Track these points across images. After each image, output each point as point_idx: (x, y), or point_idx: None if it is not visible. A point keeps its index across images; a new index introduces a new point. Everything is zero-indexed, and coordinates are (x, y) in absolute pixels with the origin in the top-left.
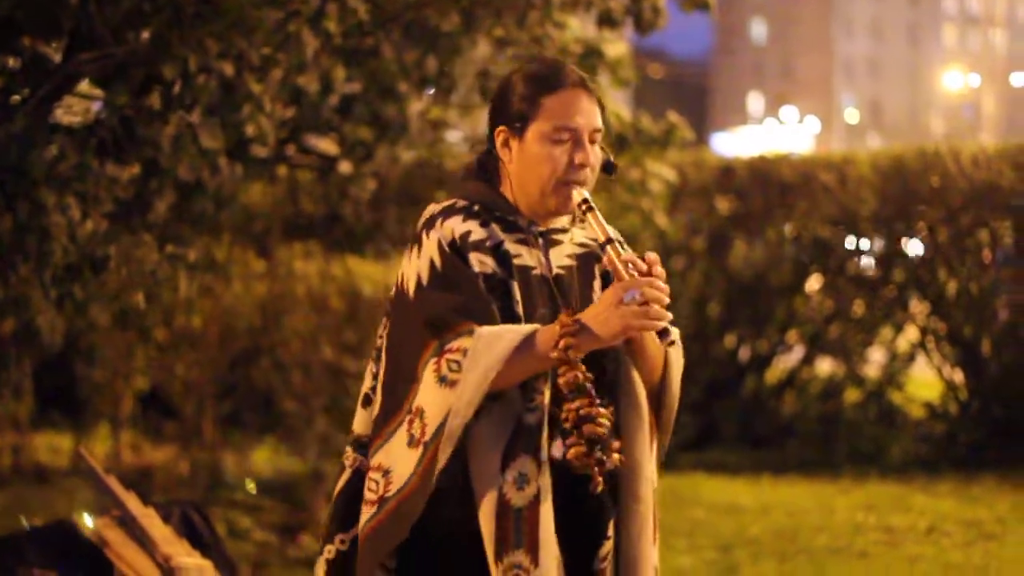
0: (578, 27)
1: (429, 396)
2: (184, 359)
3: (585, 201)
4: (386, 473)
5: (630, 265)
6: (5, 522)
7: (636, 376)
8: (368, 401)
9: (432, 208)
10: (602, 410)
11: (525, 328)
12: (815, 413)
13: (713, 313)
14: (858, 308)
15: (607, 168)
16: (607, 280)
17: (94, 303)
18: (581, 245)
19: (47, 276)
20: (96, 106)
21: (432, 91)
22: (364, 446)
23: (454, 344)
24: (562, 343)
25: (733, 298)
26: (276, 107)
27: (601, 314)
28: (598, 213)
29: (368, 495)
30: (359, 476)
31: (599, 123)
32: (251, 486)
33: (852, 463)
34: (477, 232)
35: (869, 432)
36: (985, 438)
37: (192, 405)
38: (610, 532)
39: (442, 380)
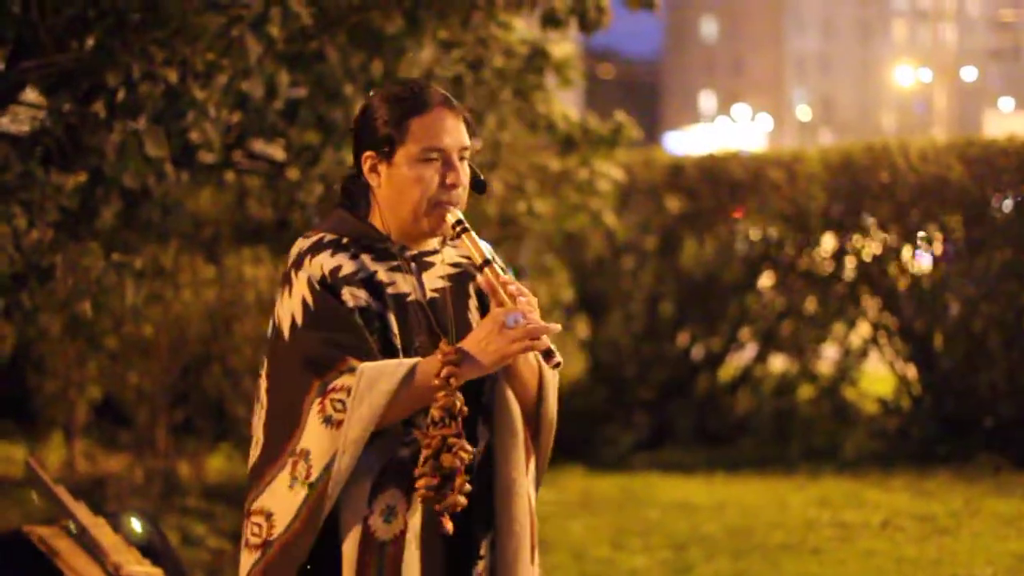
0: (524, 28)
1: (314, 437)
2: (136, 367)
3: (460, 222)
4: (268, 516)
5: (510, 286)
6: None
7: (512, 397)
8: None
9: (300, 244)
10: (466, 444)
11: (407, 362)
12: (769, 410)
13: (665, 312)
14: (810, 305)
15: (477, 186)
16: (482, 298)
17: (43, 312)
18: (453, 265)
19: None
20: (41, 114)
21: None
22: None
23: (337, 383)
24: (444, 372)
25: (685, 297)
26: (221, 113)
27: (483, 340)
28: (472, 233)
29: (251, 539)
30: None
31: (467, 141)
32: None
33: (806, 459)
34: (347, 266)
35: (823, 428)
36: (938, 433)
37: (145, 413)
38: (483, 551)
39: (327, 420)
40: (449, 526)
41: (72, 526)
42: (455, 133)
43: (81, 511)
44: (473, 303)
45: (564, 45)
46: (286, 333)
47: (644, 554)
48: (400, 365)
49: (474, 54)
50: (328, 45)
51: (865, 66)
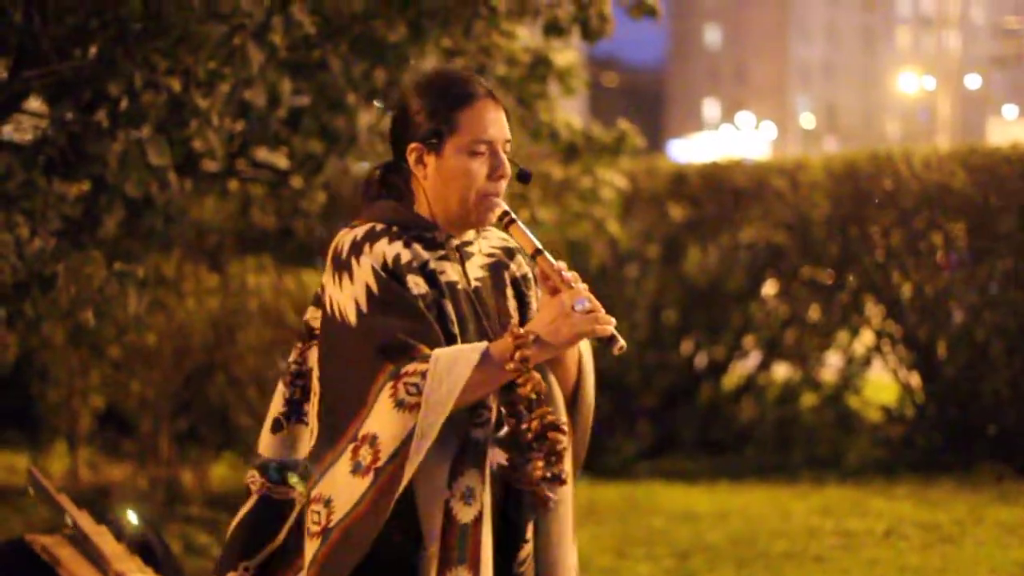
0: (527, 36)
1: (383, 421)
2: (139, 376)
3: (507, 213)
4: (328, 503)
5: (565, 272)
6: None
7: (556, 383)
8: (279, 426)
9: (351, 233)
10: (563, 418)
11: (478, 346)
12: (772, 418)
13: (669, 320)
14: (814, 313)
15: (521, 176)
16: (517, 288)
17: (46, 321)
18: (488, 255)
19: None
20: (43, 123)
21: (381, 103)
22: (274, 470)
23: (410, 368)
24: (518, 355)
25: (688, 305)
26: (224, 121)
27: (551, 323)
28: (520, 223)
29: (312, 527)
30: (265, 502)
31: (508, 133)
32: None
33: (809, 468)
34: (405, 254)
35: (826, 436)
36: (942, 441)
37: (148, 422)
38: (529, 535)
39: (400, 404)
40: (556, 500)
41: (74, 528)
42: (499, 125)
43: (84, 519)
44: (510, 291)
45: (567, 53)
46: (351, 319)
47: (648, 562)
48: (473, 349)
49: (477, 63)
50: (331, 54)
51: (869, 74)
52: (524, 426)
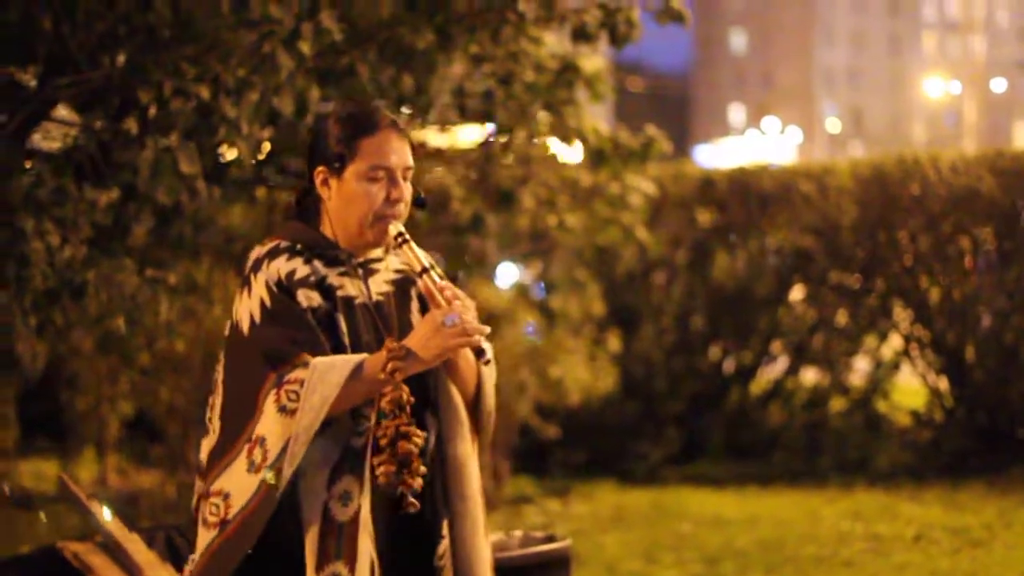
0: (554, 42)
1: (269, 425)
2: (168, 383)
3: (401, 234)
4: (226, 497)
5: (446, 291)
6: None
7: (454, 390)
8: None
9: (257, 251)
10: (417, 430)
11: (355, 357)
12: (800, 423)
13: (697, 325)
14: (841, 317)
15: (418, 202)
16: (423, 302)
17: (76, 328)
18: (397, 271)
19: (27, 302)
20: (73, 131)
21: (409, 109)
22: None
23: (291, 376)
24: (389, 366)
25: (716, 310)
26: (253, 129)
27: (423, 338)
28: (413, 244)
29: (209, 519)
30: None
31: (410, 161)
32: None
33: (838, 472)
34: (301, 270)
35: (855, 441)
36: (971, 445)
37: (177, 429)
38: (444, 532)
39: (282, 409)
40: (416, 505)
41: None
42: (400, 153)
43: (115, 526)
44: (415, 306)
45: (594, 59)
46: (245, 330)
47: (676, 568)
48: (348, 360)
49: (505, 69)
50: (359, 61)
51: (895, 78)
52: (379, 432)
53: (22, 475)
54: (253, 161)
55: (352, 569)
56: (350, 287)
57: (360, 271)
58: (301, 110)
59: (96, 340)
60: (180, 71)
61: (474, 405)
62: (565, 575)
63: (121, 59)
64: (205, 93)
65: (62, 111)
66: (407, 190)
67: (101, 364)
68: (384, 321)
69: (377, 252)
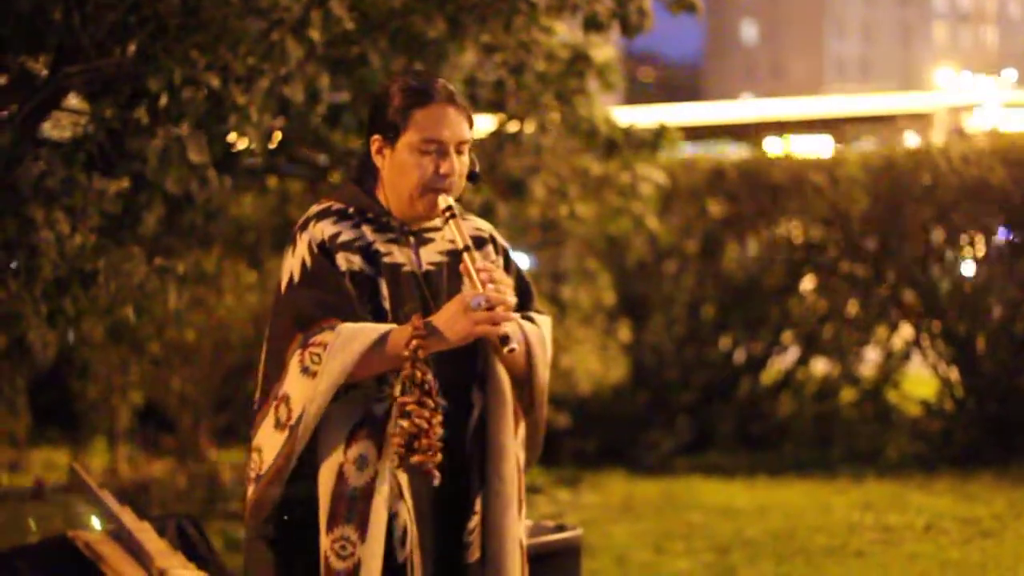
0: (566, 32)
1: (294, 384)
2: (178, 372)
3: (449, 208)
4: (260, 452)
5: (483, 273)
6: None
7: (501, 368)
8: None
9: (311, 210)
10: (425, 411)
11: (381, 327)
12: (811, 413)
13: (707, 316)
14: (852, 308)
15: (471, 177)
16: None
17: (86, 318)
18: (453, 242)
19: (37, 291)
20: (83, 120)
21: None
22: None
23: (317, 338)
24: (412, 343)
25: (727, 300)
26: (263, 118)
27: (450, 319)
28: (460, 220)
29: (249, 473)
30: None
31: (466, 135)
32: None
33: (848, 463)
34: (347, 233)
35: (865, 431)
36: (981, 435)
37: (188, 418)
38: (477, 507)
39: (304, 370)
40: (436, 476)
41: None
42: (455, 127)
43: (126, 516)
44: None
45: (605, 49)
46: (284, 288)
47: (687, 558)
48: (375, 329)
49: (516, 58)
50: (370, 49)
51: (906, 69)
52: (395, 406)
53: (33, 464)
54: (264, 150)
55: (363, 535)
56: (398, 254)
57: (412, 239)
58: (312, 98)
59: (106, 329)
60: (190, 60)
61: (524, 383)
62: (575, 565)
63: (131, 48)
64: (215, 82)
65: (72, 100)
66: (461, 164)
67: (112, 353)
68: (433, 290)
69: (435, 222)
